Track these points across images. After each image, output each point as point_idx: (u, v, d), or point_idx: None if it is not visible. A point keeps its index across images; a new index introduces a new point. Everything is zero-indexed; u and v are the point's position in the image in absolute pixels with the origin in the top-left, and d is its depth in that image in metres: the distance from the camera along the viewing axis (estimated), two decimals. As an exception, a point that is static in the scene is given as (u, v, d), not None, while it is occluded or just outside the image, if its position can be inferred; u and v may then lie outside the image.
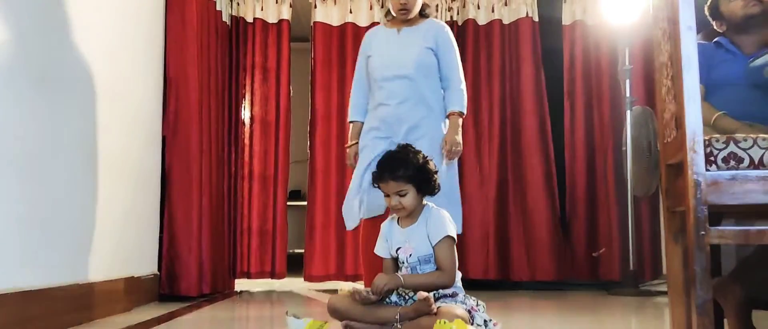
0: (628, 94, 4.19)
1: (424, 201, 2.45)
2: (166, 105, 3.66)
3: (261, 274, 4.52)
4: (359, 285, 2.68)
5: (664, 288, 4.09)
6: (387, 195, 2.39)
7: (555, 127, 4.54)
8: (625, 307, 3.45)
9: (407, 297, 2.32)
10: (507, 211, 4.46)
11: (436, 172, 2.42)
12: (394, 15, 3.08)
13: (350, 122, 3.20)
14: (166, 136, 3.64)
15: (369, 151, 3.03)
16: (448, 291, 2.32)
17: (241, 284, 4.52)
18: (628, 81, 4.20)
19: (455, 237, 2.39)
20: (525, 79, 4.52)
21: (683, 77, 1.66)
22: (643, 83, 4.45)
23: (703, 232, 1.63)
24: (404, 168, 2.35)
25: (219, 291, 4.03)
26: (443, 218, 2.40)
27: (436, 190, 2.43)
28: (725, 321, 2.32)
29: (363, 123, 3.13)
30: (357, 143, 3.13)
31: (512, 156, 4.49)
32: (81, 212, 2.73)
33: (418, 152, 2.43)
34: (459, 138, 2.96)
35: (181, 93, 3.66)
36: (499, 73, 4.53)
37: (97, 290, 2.81)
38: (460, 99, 3.02)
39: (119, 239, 3.11)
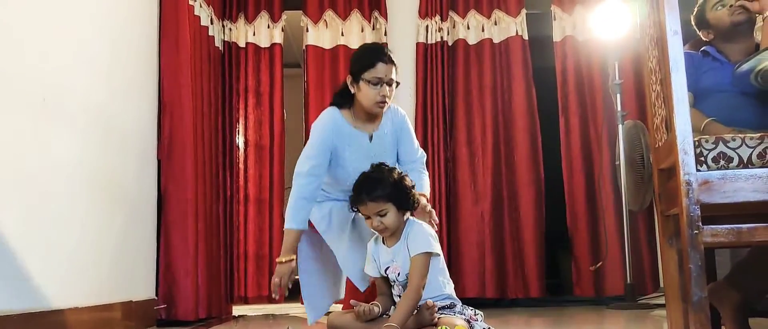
0: (619, 109, 4.24)
1: (406, 216, 2.41)
2: (161, 129, 3.67)
3: (258, 299, 4.50)
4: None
5: (662, 300, 4.10)
6: (367, 218, 2.37)
7: (551, 143, 4.57)
8: (620, 321, 3.45)
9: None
10: (502, 228, 4.47)
11: (413, 187, 2.40)
12: (368, 109, 2.60)
13: (287, 229, 2.60)
14: (161, 159, 3.65)
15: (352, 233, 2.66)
16: (446, 303, 2.32)
17: (238, 309, 4.50)
18: (618, 95, 4.25)
19: (437, 252, 2.35)
20: (516, 97, 4.56)
21: (671, 80, 1.69)
22: (634, 97, 4.50)
23: (696, 231, 1.65)
24: (381, 188, 2.32)
25: (216, 316, 4.01)
26: (423, 233, 2.37)
27: (416, 205, 2.40)
28: (722, 326, 2.34)
29: (302, 233, 2.62)
30: (294, 260, 2.58)
31: (506, 173, 4.52)
32: (78, 236, 2.73)
33: (393, 169, 2.42)
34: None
35: (176, 117, 3.67)
36: (491, 91, 4.58)
37: (95, 314, 2.80)
38: (426, 182, 2.80)
39: (116, 263, 3.10)
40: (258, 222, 4.55)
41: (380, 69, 2.53)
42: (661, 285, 4.26)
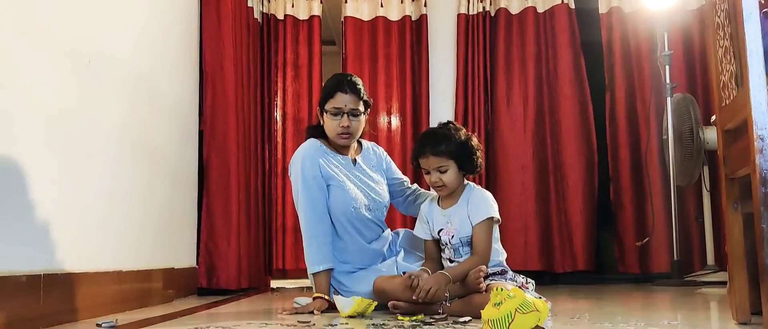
0: (667, 81, 4.12)
1: (466, 181, 2.40)
2: (203, 99, 3.66)
3: (296, 272, 4.49)
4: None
5: (709, 278, 3.99)
6: (427, 172, 2.35)
7: (596, 116, 4.48)
8: (667, 298, 3.35)
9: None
10: (548, 200, 4.39)
11: (479, 149, 2.37)
12: (332, 140, 2.61)
13: (316, 273, 2.50)
14: (203, 130, 3.64)
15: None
16: (497, 269, 2.27)
17: (275, 283, 4.50)
18: (667, 67, 4.12)
19: (498, 218, 2.33)
20: (563, 65, 4.46)
21: (745, 31, 1.61)
22: (683, 69, 4.37)
23: (770, 190, 1.57)
24: (446, 144, 2.30)
25: (255, 287, 4.01)
26: (485, 198, 2.35)
27: (479, 169, 2.38)
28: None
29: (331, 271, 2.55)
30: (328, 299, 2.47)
31: (551, 143, 4.43)
32: (122, 201, 2.73)
33: (461, 129, 2.39)
34: None
35: (218, 87, 3.66)
36: (535, 60, 4.48)
37: (136, 282, 2.80)
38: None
39: (159, 230, 3.10)
40: (295, 194, 4.52)
41: (340, 99, 2.53)
42: (709, 262, 4.15)
